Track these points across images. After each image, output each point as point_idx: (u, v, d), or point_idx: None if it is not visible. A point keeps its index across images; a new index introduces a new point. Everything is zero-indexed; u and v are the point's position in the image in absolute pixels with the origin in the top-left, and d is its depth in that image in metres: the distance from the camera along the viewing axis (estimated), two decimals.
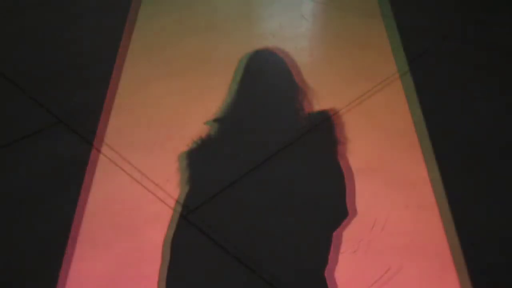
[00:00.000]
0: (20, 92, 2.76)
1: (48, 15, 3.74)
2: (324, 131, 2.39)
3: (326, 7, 3.84)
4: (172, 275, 1.69)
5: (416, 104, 2.55)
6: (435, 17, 3.57)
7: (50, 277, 1.69)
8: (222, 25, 3.56)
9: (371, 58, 3.01)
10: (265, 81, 2.83)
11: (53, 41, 3.36)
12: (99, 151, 2.27)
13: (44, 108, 2.58)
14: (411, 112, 2.48)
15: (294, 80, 2.81)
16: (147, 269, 1.71)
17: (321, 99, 2.60)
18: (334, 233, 1.81)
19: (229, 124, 2.47)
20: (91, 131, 2.40)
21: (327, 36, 3.40)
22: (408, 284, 1.64)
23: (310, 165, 2.17)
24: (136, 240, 1.83)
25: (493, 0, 3.81)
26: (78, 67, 3.01)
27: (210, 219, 1.90)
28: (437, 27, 3.39)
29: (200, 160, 2.24)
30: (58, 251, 1.78)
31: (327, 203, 1.97)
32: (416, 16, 3.59)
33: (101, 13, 3.76)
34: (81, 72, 2.96)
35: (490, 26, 3.39)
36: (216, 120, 2.47)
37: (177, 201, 1.98)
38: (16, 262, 1.76)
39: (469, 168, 2.13)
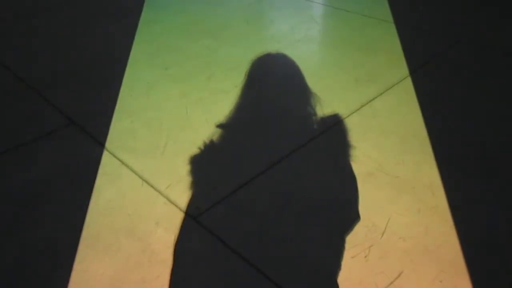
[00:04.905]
0: (31, 93, 2.76)
1: (59, 19, 3.78)
2: (334, 134, 2.35)
3: (337, 11, 3.84)
4: (179, 278, 1.64)
5: (427, 107, 2.51)
6: (448, 21, 3.56)
7: (53, 279, 1.65)
8: (231, 29, 3.57)
9: (382, 61, 3.00)
10: (274, 85, 2.81)
11: (63, 44, 3.37)
12: (103, 154, 2.24)
13: (51, 110, 2.57)
14: (422, 115, 2.45)
15: (304, 84, 2.78)
16: (152, 272, 1.66)
17: (331, 102, 2.57)
18: (346, 238, 1.77)
19: (236, 127, 2.44)
20: (93, 135, 2.38)
21: (338, 39, 3.39)
22: None
23: (320, 169, 2.13)
24: (141, 243, 1.78)
25: (507, 3, 3.80)
26: (84, 70, 3.02)
27: (219, 222, 1.85)
28: (450, 31, 3.37)
29: (208, 163, 2.20)
30: (61, 253, 1.75)
31: (338, 207, 1.93)
32: (428, 20, 3.59)
33: (107, 18, 3.78)
34: (84, 75, 2.96)
35: (504, 30, 3.37)
36: (224, 123, 2.43)
37: (183, 204, 1.94)
38: (20, 262, 1.72)
39: (482, 171, 2.08)
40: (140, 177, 2.10)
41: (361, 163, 2.14)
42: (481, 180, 2.04)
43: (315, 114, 2.50)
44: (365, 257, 1.70)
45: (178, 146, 2.29)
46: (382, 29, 3.46)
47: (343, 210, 1.91)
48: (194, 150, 2.26)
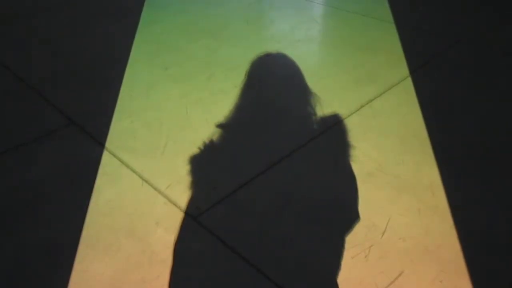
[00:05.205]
0: (31, 93, 2.75)
1: (59, 19, 3.78)
2: (334, 134, 2.35)
3: (337, 10, 3.84)
4: (179, 278, 1.64)
5: (427, 107, 2.51)
6: (448, 21, 3.56)
7: (53, 279, 1.65)
8: (231, 29, 3.56)
9: (382, 61, 3.00)
10: (274, 85, 2.80)
11: (63, 44, 3.37)
12: (103, 154, 2.24)
13: (50, 110, 2.57)
14: (422, 115, 2.45)
15: (304, 84, 2.78)
16: (152, 272, 1.66)
17: (331, 102, 2.57)
18: (346, 238, 1.77)
19: (236, 127, 2.44)
20: (93, 135, 2.38)
21: (338, 39, 3.39)
22: None
23: (321, 169, 2.13)
24: (141, 243, 1.78)
25: (507, 3, 3.80)
26: (84, 70, 3.02)
27: (219, 222, 1.85)
28: (450, 31, 3.37)
29: (208, 163, 2.20)
30: (61, 253, 1.75)
31: (338, 207, 1.93)
32: (428, 20, 3.59)
33: (107, 18, 3.78)
34: (84, 75, 2.95)
35: (504, 30, 3.37)
36: (224, 123, 2.43)
37: (183, 204, 1.94)
38: (20, 262, 1.72)
39: (482, 171, 2.08)
40: (140, 177, 2.10)
41: (361, 163, 2.14)
42: (481, 180, 2.03)
43: (315, 114, 2.50)
44: (365, 257, 1.70)
45: (178, 146, 2.29)
46: (382, 29, 3.46)
47: (343, 210, 1.91)
48: (194, 150, 2.26)
